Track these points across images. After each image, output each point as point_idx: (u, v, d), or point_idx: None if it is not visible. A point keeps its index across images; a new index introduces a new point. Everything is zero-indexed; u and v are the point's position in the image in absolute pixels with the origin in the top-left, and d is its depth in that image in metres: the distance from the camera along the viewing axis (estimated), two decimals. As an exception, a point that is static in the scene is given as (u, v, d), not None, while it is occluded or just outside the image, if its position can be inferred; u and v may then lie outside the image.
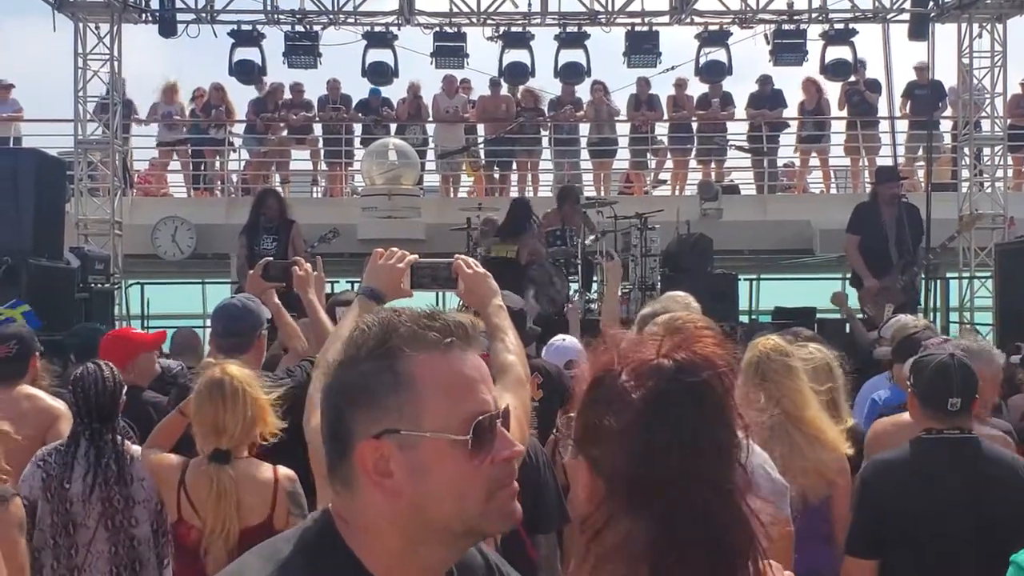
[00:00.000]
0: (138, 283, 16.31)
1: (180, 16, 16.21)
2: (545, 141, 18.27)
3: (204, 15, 16.30)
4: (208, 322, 5.79)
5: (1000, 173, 16.02)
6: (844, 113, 18.04)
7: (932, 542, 3.71)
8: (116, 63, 15.44)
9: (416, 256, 3.51)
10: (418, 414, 1.60)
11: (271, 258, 5.12)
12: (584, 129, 18.10)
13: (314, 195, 18.45)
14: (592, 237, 13.43)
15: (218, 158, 18.12)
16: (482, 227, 13.67)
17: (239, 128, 18.10)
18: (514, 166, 17.87)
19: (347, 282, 13.95)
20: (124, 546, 4.33)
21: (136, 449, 4.52)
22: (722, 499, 1.67)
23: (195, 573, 4.05)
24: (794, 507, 4.13)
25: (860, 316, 12.65)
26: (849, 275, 12.99)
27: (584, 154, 18.39)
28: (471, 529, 1.65)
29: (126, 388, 4.71)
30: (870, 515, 3.85)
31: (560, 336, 6.84)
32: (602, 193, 17.15)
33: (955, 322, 14.89)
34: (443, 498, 1.60)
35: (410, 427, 1.59)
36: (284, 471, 4.06)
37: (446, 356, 1.63)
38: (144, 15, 16.05)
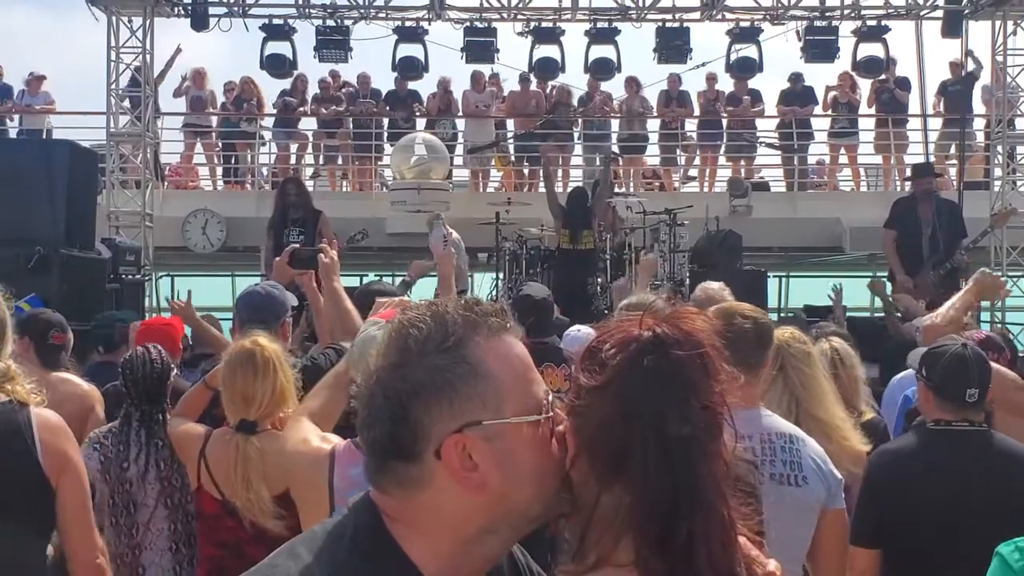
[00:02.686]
0: (168, 275, 16.41)
1: (212, 10, 16.35)
2: (575, 136, 18.25)
3: (236, 9, 16.41)
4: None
5: (1034, 172, 15.90)
6: (873, 110, 17.93)
7: (937, 533, 3.68)
8: (148, 56, 15.56)
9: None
10: (500, 401, 1.59)
11: (297, 244, 5.15)
12: (615, 125, 18.07)
13: (343, 189, 18.49)
14: (620, 232, 13.44)
15: (249, 151, 18.20)
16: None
17: (269, 121, 18.17)
18: (543, 161, 17.85)
19: (375, 275, 13.98)
20: (182, 522, 4.39)
21: None
22: (693, 471, 1.67)
23: (212, 541, 4.10)
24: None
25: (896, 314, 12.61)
26: (882, 273, 12.91)
27: (614, 150, 18.36)
28: (545, 512, 1.66)
29: (175, 371, 4.77)
30: (874, 505, 3.82)
31: (577, 326, 6.85)
32: (631, 189, 17.10)
33: (987, 321, 14.77)
34: (527, 483, 1.61)
35: (493, 416, 1.58)
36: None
37: (507, 340, 1.65)
38: (176, 8, 16.17)
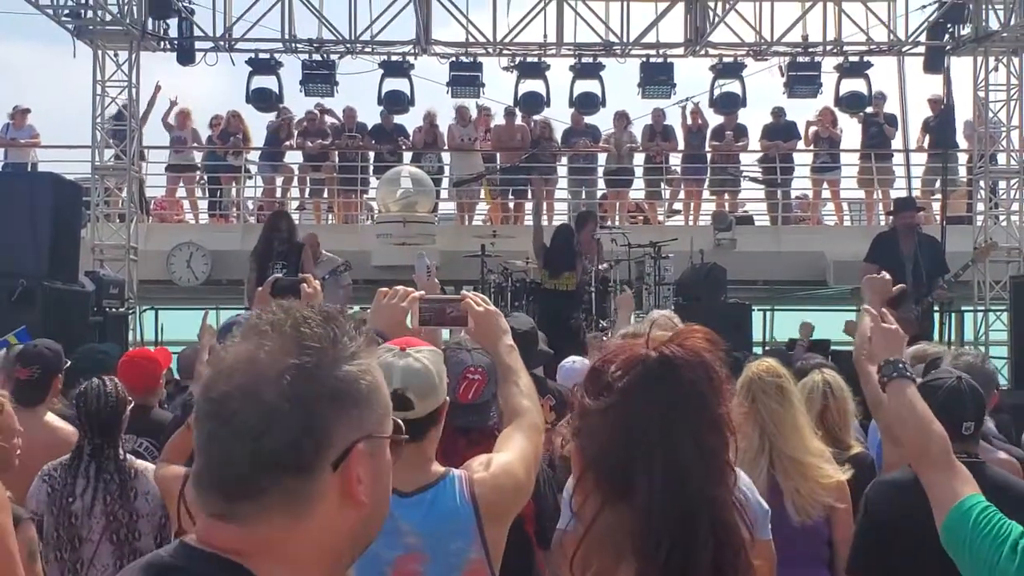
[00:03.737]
0: (153, 308, 16.36)
1: (198, 44, 16.42)
2: (561, 170, 18.31)
3: (222, 43, 16.47)
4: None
5: (1016, 207, 15.99)
6: (859, 145, 18.03)
7: (932, 566, 3.67)
8: (134, 90, 15.59)
9: (422, 293, 3.49)
10: (384, 417, 1.55)
11: (280, 275, 5.14)
12: (601, 158, 18.15)
13: (328, 221, 18.52)
14: (605, 265, 13.47)
15: (234, 184, 18.22)
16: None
17: (255, 155, 18.20)
18: (529, 194, 17.92)
19: (361, 308, 13.95)
20: (128, 559, 4.32)
21: (142, 464, 4.52)
22: (701, 492, 1.66)
23: None
24: (786, 528, 4.15)
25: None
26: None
27: (600, 183, 18.43)
28: (374, 538, 1.61)
29: (132, 404, 4.71)
30: (872, 535, 3.82)
31: (572, 358, 6.83)
32: (616, 222, 17.17)
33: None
34: (384, 503, 1.57)
35: (379, 431, 1.54)
36: None
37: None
38: (163, 43, 16.21)
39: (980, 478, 3.78)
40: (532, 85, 17.18)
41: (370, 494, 1.50)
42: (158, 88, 16.97)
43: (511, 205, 18.36)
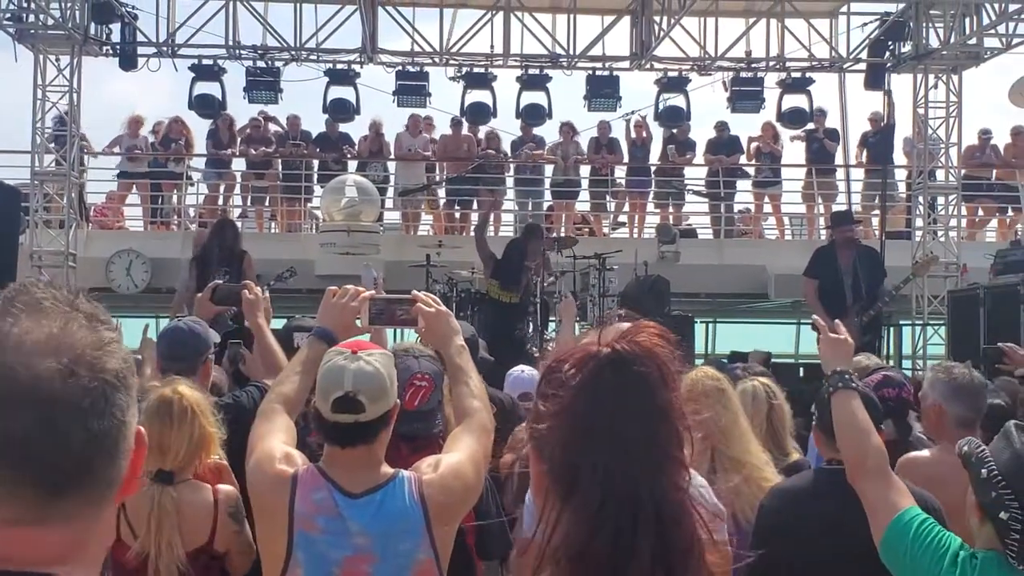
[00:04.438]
0: (91, 316, 16.08)
1: (141, 50, 16.26)
2: (508, 181, 18.33)
3: (165, 49, 16.32)
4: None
5: (953, 222, 16.23)
6: (802, 160, 18.23)
7: (825, 571, 3.69)
8: (75, 95, 15.40)
9: (372, 292, 3.49)
10: None
11: (220, 281, 5.09)
12: (548, 170, 18.19)
13: (271, 230, 18.39)
14: (551, 278, 13.50)
15: (176, 191, 18.05)
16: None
17: (198, 162, 18.04)
18: (475, 205, 17.92)
19: (304, 316, 13.86)
20: None
21: None
22: (649, 486, 1.66)
23: None
24: (728, 529, 4.15)
25: (817, 362, 12.73)
26: (806, 321, 13.07)
27: (547, 195, 18.47)
28: None
29: None
30: (765, 542, 3.82)
31: (520, 367, 6.83)
32: (563, 233, 17.20)
33: (908, 368, 15.00)
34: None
35: None
36: (224, 490, 4.02)
37: None
38: (105, 48, 16.04)
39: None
40: (479, 96, 17.17)
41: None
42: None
43: (457, 216, 18.34)
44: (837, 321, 3.84)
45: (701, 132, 18.35)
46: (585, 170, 18.30)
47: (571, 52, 16.83)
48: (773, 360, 12.85)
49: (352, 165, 17.80)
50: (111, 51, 16.11)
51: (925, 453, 4.70)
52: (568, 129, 17.85)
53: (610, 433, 1.65)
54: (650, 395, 1.68)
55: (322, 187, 17.10)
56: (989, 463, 2.86)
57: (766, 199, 18.51)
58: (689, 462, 1.75)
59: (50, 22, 15.07)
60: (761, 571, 3.78)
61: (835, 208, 17.37)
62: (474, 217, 18.19)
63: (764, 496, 3.99)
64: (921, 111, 15.99)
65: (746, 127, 18.49)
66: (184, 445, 3.92)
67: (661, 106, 17.31)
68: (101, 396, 1.28)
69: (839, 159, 18.56)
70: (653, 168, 18.23)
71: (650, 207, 18.57)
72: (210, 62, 16.48)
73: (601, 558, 1.62)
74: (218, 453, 4.06)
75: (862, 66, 16.87)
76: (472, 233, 15.64)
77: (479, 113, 17.33)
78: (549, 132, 18.17)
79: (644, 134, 18.09)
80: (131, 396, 1.33)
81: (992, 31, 15.14)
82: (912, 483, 3.63)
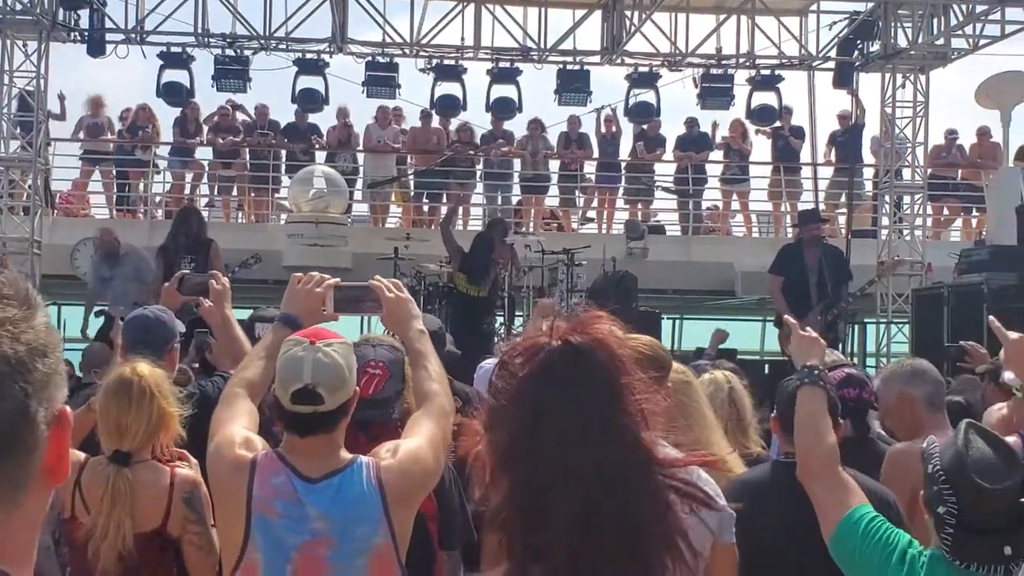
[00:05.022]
0: (56, 303, 16.00)
1: (109, 36, 16.13)
2: (478, 175, 18.30)
3: (134, 36, 16.21)
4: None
5: (919, 221, 16.36)
6: (768, 158, 18.31)
7: (781, 564, 3.71)
8: (42, 81, 15.24)
9: (337, 280, 3.51)
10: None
11: (187, 271, 5.07)
12: (517, 164, 18.17)
13: (238, 220, 18.29)
14: (519, 273, 13.51)
15: (142, 179, 17.91)
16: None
17: (164, 150, 17.91)
18: (444, 198, 17.90)
19: (268, 308, 13.80)
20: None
21: None
22: (613, 478, 1.66)
23: (84, 571, 3.97)
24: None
25: (782, 359, 12.83)
26: (771, 318, 13.16)
27: (516, 189, 18.45)
28: None
29: None
30: None
31: (490, 360, 6.83)
32: (531, 228, 17.21)
33: (872, 366, 15.11)
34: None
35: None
36: (182, 474, 4.00)
37: None
38: (72, 34, 15.89)
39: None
40: (449, 88, 17.14)
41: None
42: (62, 96, 16.86)
43: (425, 208, 18.30)
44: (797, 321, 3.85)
45: (671, 129, 18.41)
46: (555, 165, 18.30)
47: (542, 45, 16.83)
48: (739, 356, 12.94)
49: (320, 156, 17.73)
50: (79, 37, 15.96)
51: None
52: (536, 125, 17.84)
53: (562, 420, 1.66)
54: (602, 386, 1.69)
55: (290, 177, 17.01)
56: (935, 459, 2.95)
57: (734, 196, 18.58)
58: (653, 441, 1.75)
59: (18, 7, 14.92)
60: None
61: (801, 206, 17.48)
62: (443, 211, 18.18)
63: (725, 489, 3.99)
64: (889, 110, 16.09)
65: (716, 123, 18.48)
66: (143, 426, 3.90)
67: (631, 102, 17.34)
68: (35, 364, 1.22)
69: (807, 157, 18.67)
70: (623, 164, 18.26)
71: (619, 203, 18.61)
72: (179, 50, 16.37)
73: (561, 523, 1.63)
74: (180, 433, 4.03)
75: (831, 65, 16.97)
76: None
77: (449, 106, 17.29)
78: (519, 126, 18.18)
79: (614, 128, 18.10)
80: (37, 381, 1.23)
81: (959, 32, 15.28)
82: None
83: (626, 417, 1.70)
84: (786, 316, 3.81)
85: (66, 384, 1.31)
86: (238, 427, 3.15)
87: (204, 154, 18.00)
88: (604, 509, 1.63)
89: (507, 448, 1.68)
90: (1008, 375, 4.46)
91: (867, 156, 17.87)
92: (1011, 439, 3.87)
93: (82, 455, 4.12)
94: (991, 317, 4.37)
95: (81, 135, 17.47)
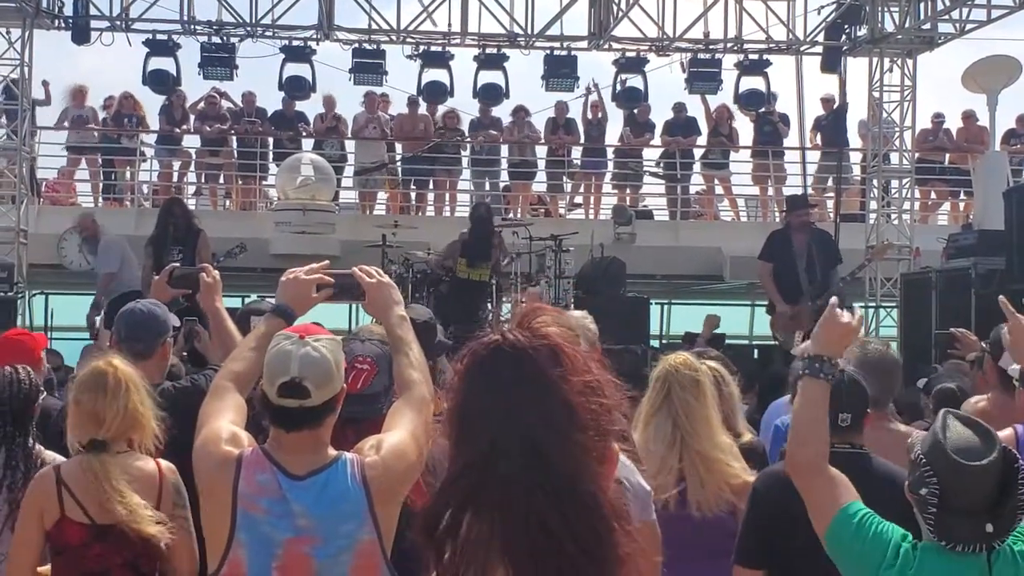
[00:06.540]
0: (43, 293, 15.94)
1: (94, 24, 16.01)
2: (464, 161, 18.26)
3: (119, 23, 16.10)
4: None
5: (907, 205, 16.38)
6: (750, 142, 18.26)
7: (816, 555, 3.72)
8: (27, 68, 15.13)
9: (324, 262, 3.53)
10: None
11: (177, 264, 5.04)
12: (504, 151, 18.13)
13: (225, 207, 18.22)
14: (506, 260, 13.50)
15: (128, 168, 17.83)
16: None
17: (150, 138, 17.82)
18: (431, 185, 17.86)
19: (258, 296, 13.78)
20: None
21: (49, 454, 4.40)
22: (564, 477, 1.66)
23: (76, 574, 3.92)
24: (692, 520, 4.24)
25: (772, 342, 12.87)
26: (760, 303, 13.18)
27: (503, 175, 18.42)
28: None
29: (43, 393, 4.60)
30: (758, 524, 3.85)
31: None
32: (519, 214, 17.19)
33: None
34: None
35: None
36: (166, 464, 3.99)
37: None
38: (57, 21, 15.78)
39: (868, 468, 3.84)
40: (436, 74, 17.09)
41: None
42: (46, 83, 16.76)
43: (413, 196, 18.26)
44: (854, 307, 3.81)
45: (659, 113, 18.37)
46: (542, 150, 18.26)
47: (529, 31, 16.78)
48: (728, 341, 12.98)
49: (308, 143, 17.67)
50: (63, 24, 15.86)
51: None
52: (521, 113, 17.80)
53: (504, 424, 1.66)
54: (542, 384, 1.68)
55: (277, 165, 16.96)
56: (916, 447, 3.05)
57: (716, 181, 18.57)
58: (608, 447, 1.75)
59: (1, -6, 14.82)
60: (756, 553, 3.84)
61: (788, 191, 17.49)
62: (431, 197, 18.17)
63: (759, 479, 4.01)
64: (876, 94, 16.10)
65: (701, 109, 18.43)
66: (119, 415, 3.88)
67: (619, 87, 17.31)
68: None
69: (794, 142, 18.66)
70: (611, 149, 18.24)
71: (606, 188, 18.59)
72: (164, 37, 16.28)
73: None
74: (156, 434, 4.01)
75: (818, 49, 16.96)
76: (430, 213, 15.60)
77: (436, 92, 17.24)
78: (507, 112, 18.12)
79: (600, 114, 18.06)
80: None
81: (946, 16, 15.27)
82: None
83: (559, 415, 1.70)
84: (832, 299, 3.62)
85: None
86: (225, 421, 3.15)
87: (191, 142, 17.93)
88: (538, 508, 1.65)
89: (457, 444, 1.70)
90: (1014, 367, 4.45)
91: (854, 140, 17.89)
92: (1006, 432, 3.90)
93: (53, 454, 4.10)
94: (1001, 298, 4.36)
95: (66, 124, 17.36)
